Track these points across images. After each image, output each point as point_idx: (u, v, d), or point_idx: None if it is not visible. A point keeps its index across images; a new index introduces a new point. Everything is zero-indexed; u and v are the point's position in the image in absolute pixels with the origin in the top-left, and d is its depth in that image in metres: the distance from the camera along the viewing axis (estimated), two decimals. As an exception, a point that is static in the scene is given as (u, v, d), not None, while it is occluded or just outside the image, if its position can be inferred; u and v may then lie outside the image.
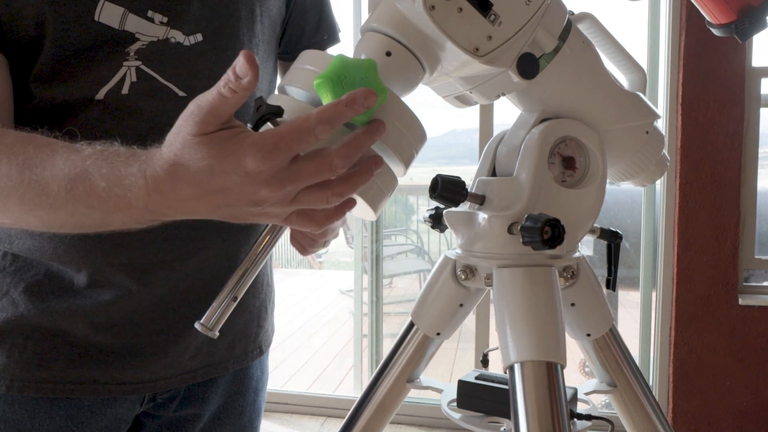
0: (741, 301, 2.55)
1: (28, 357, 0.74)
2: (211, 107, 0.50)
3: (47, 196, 0.58)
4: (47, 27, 0.66)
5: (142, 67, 0.71)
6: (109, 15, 0.68)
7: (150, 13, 0.70)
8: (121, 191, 0.55)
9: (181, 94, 0.73)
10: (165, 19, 0.71)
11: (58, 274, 0.75)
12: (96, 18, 0.68)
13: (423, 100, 0.94)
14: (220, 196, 0.52)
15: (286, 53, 0.89)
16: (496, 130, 1.66)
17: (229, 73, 0.48)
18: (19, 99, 0.69)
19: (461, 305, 0.74)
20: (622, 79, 0.76)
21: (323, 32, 0.92)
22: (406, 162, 0.60)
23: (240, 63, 0.48)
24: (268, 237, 0.61)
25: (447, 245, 5.43)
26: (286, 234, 0.64)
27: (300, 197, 0.53)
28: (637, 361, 0.96)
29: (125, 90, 0.70)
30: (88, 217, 0.59)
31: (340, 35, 0.96)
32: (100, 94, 0.70)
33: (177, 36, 0.72)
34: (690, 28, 2.51)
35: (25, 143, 0.61)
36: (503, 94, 0.68)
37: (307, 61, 0.59)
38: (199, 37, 0.74)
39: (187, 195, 0.53)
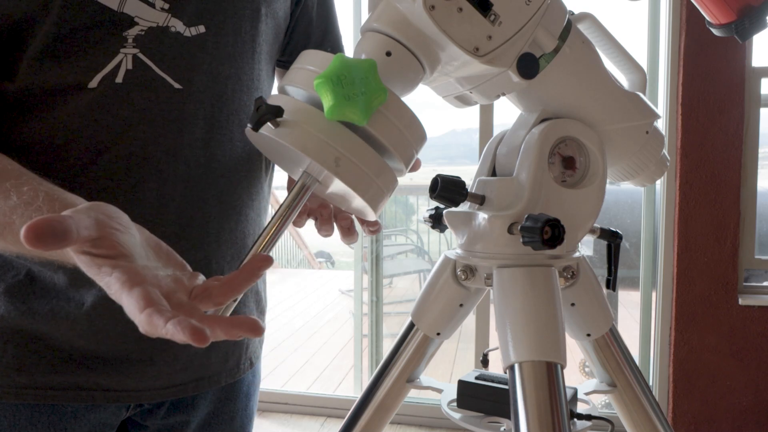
0: (741, 301, 2.55)
1: (7, 361, 0.72)
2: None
3: None
4: (52, 4, 0.65)
5: (139, 55, 0.70)
6: None
7: None
8: (47, 254, 0.55)
9: (176, 86, 0.72)
10: (166, 6, 0.70)
11: (39, 274, 0.73)
12: None
13: (423, 100, 0.94)
14: None
15: (290, 62, 0.88)
16: (496, 130, 1.66)
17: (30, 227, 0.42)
18: (6, 80, 0.68)
19: (461, 305, 0.74)
20: (622, 79, 0.76)
21: (327, 45, 0.92)
22: (406, 162, 0.60)
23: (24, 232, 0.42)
24: (267, 238, 0.61)
25: (447, 245, 5.43)
26: (286, 234, 0.64)
27: None
28: (637, 361, 0.96)
29: (119, 78, 0.69)
30: (23, 255, 0.60)
31: (344, 50, 0.96)
32: (94, 82, 0.68)
33: (177, 25, 0.71)
34: (690, 28, 2.51)
35: None
36: (503, 94, 0.68)
37: (307, 61, 0.59)
38: (202, 28, 0.73)
39: None
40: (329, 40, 0.93)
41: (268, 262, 0.50)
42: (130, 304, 0.45)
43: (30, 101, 0.69)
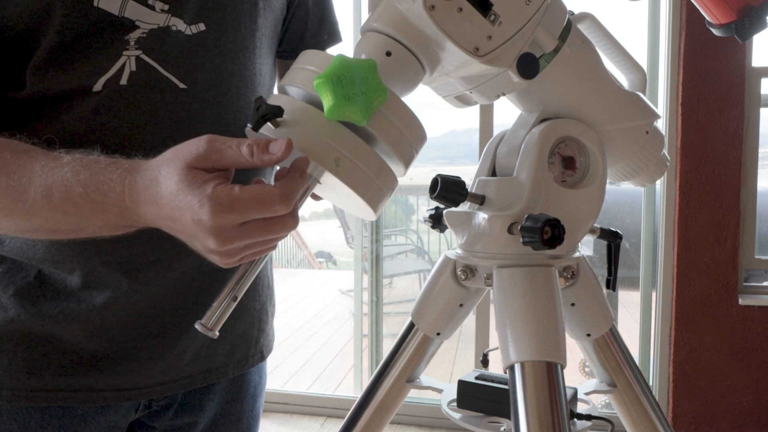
0: (741, 301, 2.55)
1: (17, 365, 0.72)
2: (222, 149, 0.52)
3: (23, 203, 0.59)
4: (54, 14, 0.65)
5: (143, 56, 0.70)
6: (109, 1, 0.67)
7: (151, 1, 0.69)
8: (99, 197, 0.57)
9: (181, 86, 0.72)
10: (166, 7, 0.70)
11: (50, 276, 0.73)
12: (96, 4, 0.67)
13: (423, 100, 0.94)
14: (174, 224, 0.54)
15: (287, 52, 0.88)
16: (496, 130, 1.66)
17: (261, 140, 0.52)
18: (12, 90, 0.68)
19: (461, 305, 0.74)
20: (622, 79, 0.76)
21: (324, 32, 0.92)
22: (406, 162, 0.60)
23: (279, 144, 0.51)
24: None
25: (447, 245, 5.43)
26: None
27: (245, 252, 0.55)
28: (637, 361, 0.96)
29: (124, 80, 0.69)
30: (62, 223, 0.60)
31: (342, 35, 0.96)
32: (98, 85, 0.68)
33: (178, 24, 0.71)
34: (690, 28, 2.51)
35: (1, 149, 0.62)
36: (503, 94, 0.68)
37: (307, 61, 0.59)
38: (202, 26, 0.73)
39: (150, 213, 0.55)
40: (326, 28, 0.92)
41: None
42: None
43: (36, 108, 0.69)
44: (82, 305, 0.73)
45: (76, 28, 0.67)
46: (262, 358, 0.91)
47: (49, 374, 0.73)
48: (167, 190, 0.53)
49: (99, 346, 0.74)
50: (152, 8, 0.69)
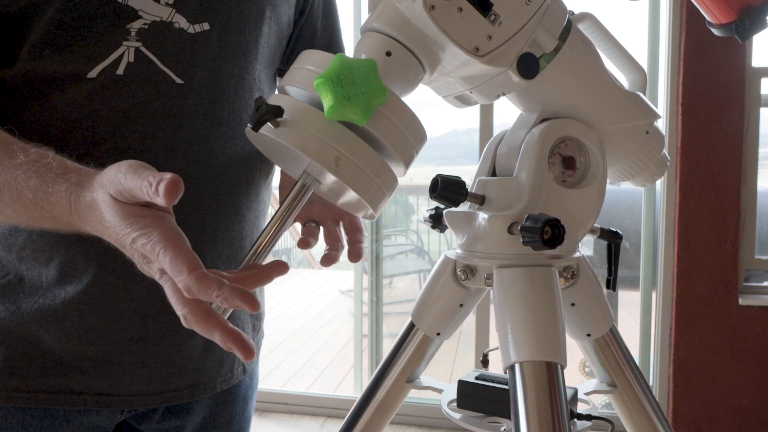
0: (741, 301, 2.55)
1: None
2: (132, 188, 0.52)
3: None
4: None
5: (142, 48, 0.70)
6: None
7: None
8: (47, 206, 0.58)
9: (178, 81, 0.72)
10: (171, 1, 0.71)
11: (28, 273, 0.72)
12: None
13: (423, 100, 0.94)
14: (119, 241, 0.55)
15: None
16: (496, 130, 1.66)
17: (152, 180, 0.50)
18: (4, 66, 0.68)
19: (461, 305, 0.74)
20: (623, 79, 0.76)
21: None
22: (406, 162, 0.60)
23: (164, 183, 0.49)
24: (267, 238, 0.61)
25: (447, 245, 5.43)
26: (286, 234, 0.64)
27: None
28: (637, 361, 0.96)
29: (120, 71, 0.69)
30: (15, 219, 0.62)
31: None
32: (93, 72, 0.68)
33: (181, 21, 0.72)
34: (690, 28, 2.51)
35: None
36: (503, 94, 0.68)
37: (307, 61, 0.59)
38: (206, 26, 0.73)
39: (97, 229, 0.56)
40: (332, 52, 0.93)
41: (284, 269, 0.56)
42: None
43: (27, 89, 0.68)
44: (57, 300, 0.72)
45: (78, 9, 0.67)
46: (245, 371, 0.89)
47: (31, 375, 0.73)
48: (108, 219, 0.54)
49: (79, 346, 0.73)
50: (157, 0, 0.70)
